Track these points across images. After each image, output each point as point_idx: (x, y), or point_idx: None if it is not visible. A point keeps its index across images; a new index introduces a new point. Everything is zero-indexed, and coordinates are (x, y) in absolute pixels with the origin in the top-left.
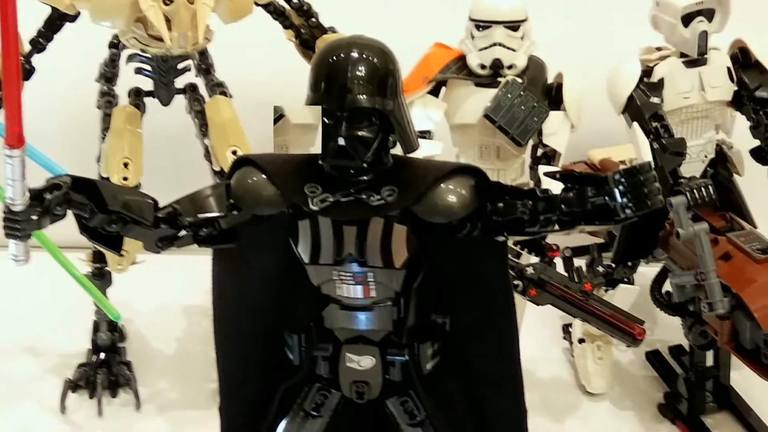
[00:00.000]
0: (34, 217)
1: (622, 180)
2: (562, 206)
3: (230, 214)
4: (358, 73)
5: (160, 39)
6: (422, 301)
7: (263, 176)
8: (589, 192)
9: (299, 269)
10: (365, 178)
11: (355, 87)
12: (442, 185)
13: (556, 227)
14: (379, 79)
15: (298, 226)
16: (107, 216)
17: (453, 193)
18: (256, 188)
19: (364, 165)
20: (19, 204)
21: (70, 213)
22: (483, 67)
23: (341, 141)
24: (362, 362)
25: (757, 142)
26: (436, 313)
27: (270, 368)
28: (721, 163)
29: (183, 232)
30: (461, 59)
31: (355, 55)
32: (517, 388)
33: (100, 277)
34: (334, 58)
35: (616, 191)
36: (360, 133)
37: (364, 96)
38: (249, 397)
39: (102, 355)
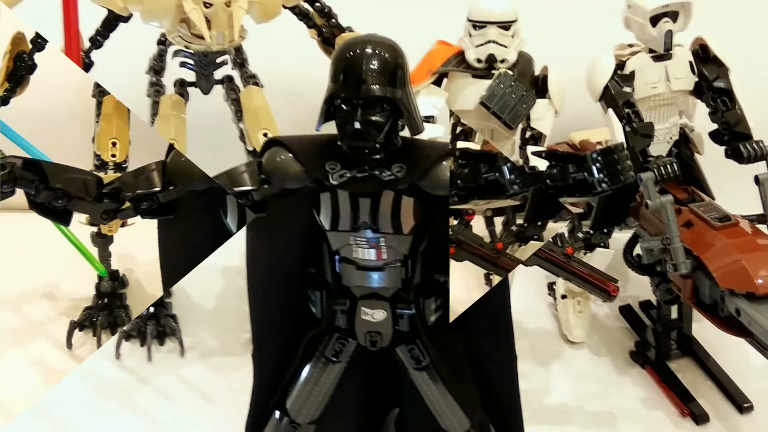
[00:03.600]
0: None
1: (599, 158)
2: (547, 181)
3: (261, 187)
4: (371, 66)
5: (201, 37)
6: (427, 262)
7: (290, 155)
8: (570, 169)
9: (320, 235)
10: (378, 156)
11: (369, 78)
12: (444, 163)
13: None
14: (390, 71)
15: (320, 198)
16: (51, 192)
17: None
18: (284, 165)
19: (377, 145)
20: None
21: None
22: (479, 61)
23: (357, 125)
24: (375, 315)
25: (715, 126)
26: (439, 273)
27: (296, 320)
28: (684, 144)
29: (126, 205)
30: (460, 54)
31: (369, 50)
32: (508, 337)
33: (102, 237)
34: (351, 53)
35: (594, 168)
36: (373, 118)
37: (377, 86)
38: (278, 345)
39: (105, 300)
